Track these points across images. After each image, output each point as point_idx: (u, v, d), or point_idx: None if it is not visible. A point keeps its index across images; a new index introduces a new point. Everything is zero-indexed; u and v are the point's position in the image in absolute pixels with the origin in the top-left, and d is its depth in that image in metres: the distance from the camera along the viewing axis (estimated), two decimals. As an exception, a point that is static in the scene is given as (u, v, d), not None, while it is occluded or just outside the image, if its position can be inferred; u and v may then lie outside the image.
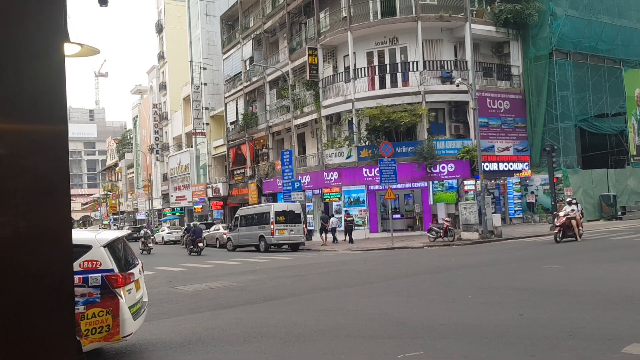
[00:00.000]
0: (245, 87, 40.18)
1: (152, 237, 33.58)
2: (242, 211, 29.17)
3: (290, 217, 25.37)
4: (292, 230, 25.25)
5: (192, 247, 26.57)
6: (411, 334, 7.00)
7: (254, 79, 39.15)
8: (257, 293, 11.37)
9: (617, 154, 32.52)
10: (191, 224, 35.92)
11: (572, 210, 19.62)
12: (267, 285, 12.74)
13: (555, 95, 29.46)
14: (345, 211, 28.90)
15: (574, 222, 19.30)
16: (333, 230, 27.08)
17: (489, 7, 30.77)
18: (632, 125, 32.86)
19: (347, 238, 26.36)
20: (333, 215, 28.53)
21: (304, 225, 27.30)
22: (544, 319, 7.45)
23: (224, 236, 30.13)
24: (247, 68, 40.23)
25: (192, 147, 50.57)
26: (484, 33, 29.89)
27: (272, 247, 25.55)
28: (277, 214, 25.19)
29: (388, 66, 29.92)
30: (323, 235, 27.01)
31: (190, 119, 49.59)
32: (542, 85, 29.94)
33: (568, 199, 21.63)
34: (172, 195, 54.68)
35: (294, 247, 25.46)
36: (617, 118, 32.32)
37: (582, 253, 15.78)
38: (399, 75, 29.47)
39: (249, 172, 39.53)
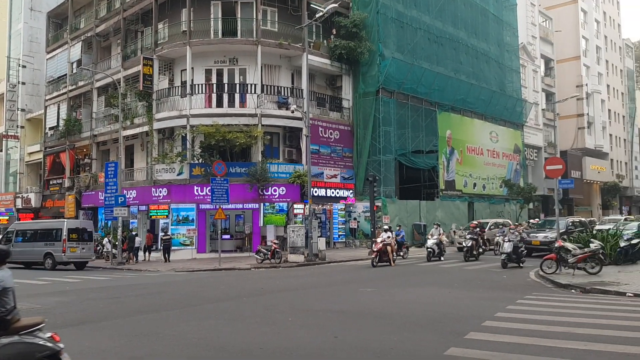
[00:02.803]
0: (70, 90, 37.10)
1: None
2: (19, 226, 27.81)
3: (82, 235, 24.81)
4: (83, 249, 24.71)
5: None
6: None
7: (81, 84, 36.33)
8: (64, 317, 10.32)
9: (429, 187, 35.90)
10: None
11: (388, 237, 21.19)
12: (77, 308, 11.67)
13: (380, 129, 31.80)
14: (164, 230, 28.04)
15: (389, 248, 20.82)
16: (137, 250, 27.03)
17: (325, 41, 32.39)
18: (442, 162, 36.66)
19: (164, 257, 26.07)
20: (137, 235, 28.24)
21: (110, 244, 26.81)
22: (356, 341, 7.83)
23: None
24: (74, 71, 37.21)
25: (1, 151, 45.12)
26: (320, 65, 31.32)
27: (60, 265, 24.37)
28: (70, 231, 24.30)
29: (226, 85, 29.81)
30: (130, 254, 26.83)
31: (3, 120, 44.24)
32: (369, 120, 32.14)
33: (385, 227, 23.31)
34: (-29, 204, 47.98)
35: (80, 266, 24.78)
36: (431, 155, 35.77)
37: (394, 277, 17.05)
38: (237, 96, 29.50)
39: (67, 183, 36.26)
